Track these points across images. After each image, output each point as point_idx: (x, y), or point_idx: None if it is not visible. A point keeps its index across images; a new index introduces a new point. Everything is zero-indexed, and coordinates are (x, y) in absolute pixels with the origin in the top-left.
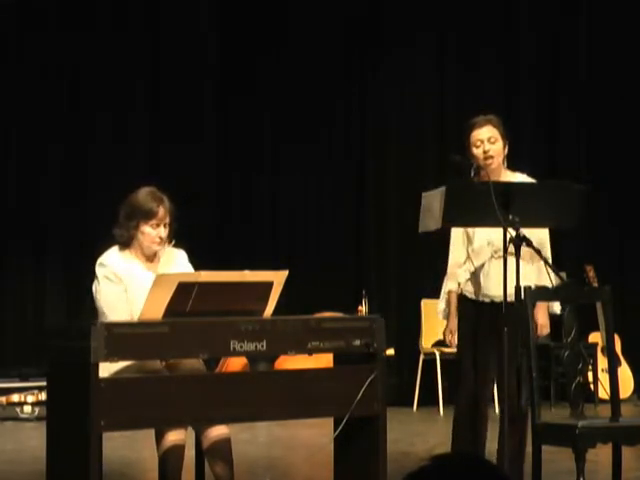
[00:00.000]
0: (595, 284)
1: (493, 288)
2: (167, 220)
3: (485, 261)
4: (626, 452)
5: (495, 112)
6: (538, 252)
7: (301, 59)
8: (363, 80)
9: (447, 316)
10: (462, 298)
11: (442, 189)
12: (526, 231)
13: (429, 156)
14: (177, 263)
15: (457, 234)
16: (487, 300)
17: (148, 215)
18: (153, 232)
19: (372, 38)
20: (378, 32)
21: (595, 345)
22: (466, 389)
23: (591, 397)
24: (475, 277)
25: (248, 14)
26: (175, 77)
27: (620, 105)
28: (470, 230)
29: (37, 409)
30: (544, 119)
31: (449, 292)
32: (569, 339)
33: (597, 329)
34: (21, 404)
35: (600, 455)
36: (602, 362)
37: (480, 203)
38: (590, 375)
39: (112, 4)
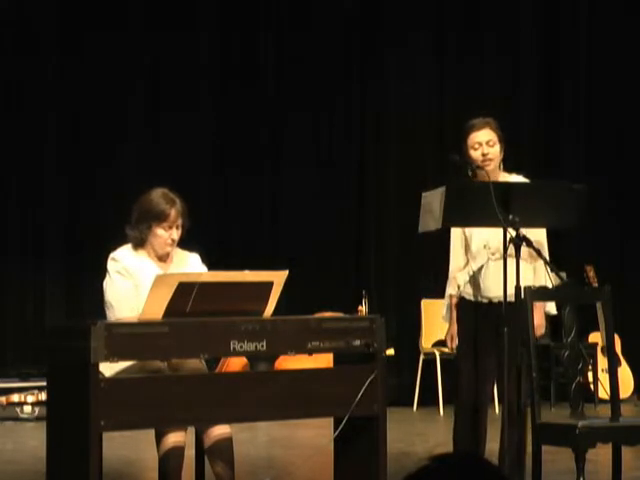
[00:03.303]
0: (595, 284)
1: (491, 289)
2: (179, 222)
3: (483, 263)
4: (626, 452)
5: (495, 112)
6: (538, 252)
7: (301, 58)
8: (363, 80)
9: (449, 320)
10: (461, 300)
11: (442, 189)
12: (524, 231)
13: (429, 156)
14: (190, 265)
15: (456, 238)
16: (485, 301)
17: (160, 217)
18: (165, 234)
19: (372, 37)
20: (378, 31)
21: (595, 345)
22: (466, 390)
23: (591, 397)
24: (474, 279)
25: (247, 6)
26: (174, 78)
27: (620, 105)
28: (467, 233)
29: (37, 409)
30: (545, 119)
31: (450, 296)
32: (569, 339)
33: (597, 329)
34: (21, 404)
35: (600, 455)
36: (602, 362)
37: (480, 203)
38: (590, 375)
39: None
